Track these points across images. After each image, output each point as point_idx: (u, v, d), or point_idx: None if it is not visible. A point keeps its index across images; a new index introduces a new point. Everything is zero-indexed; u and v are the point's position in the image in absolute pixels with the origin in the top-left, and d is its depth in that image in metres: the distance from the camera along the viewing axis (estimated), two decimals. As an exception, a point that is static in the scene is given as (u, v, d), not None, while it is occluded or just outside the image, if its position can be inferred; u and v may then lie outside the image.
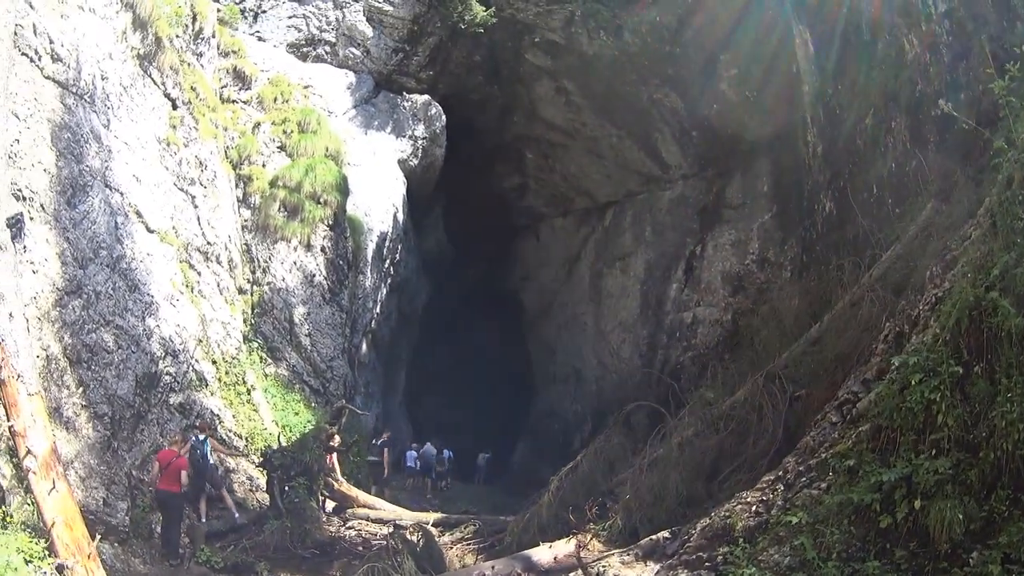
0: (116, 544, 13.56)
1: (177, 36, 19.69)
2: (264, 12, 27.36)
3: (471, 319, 38.68)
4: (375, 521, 19.07)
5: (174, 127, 18.47)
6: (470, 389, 37.83)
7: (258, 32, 27.21)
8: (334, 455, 20.06)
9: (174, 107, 18.74)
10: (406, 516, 19.31)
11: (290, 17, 27.50)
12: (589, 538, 12.49)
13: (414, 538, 14.52)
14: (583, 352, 33.62)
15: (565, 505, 14.07)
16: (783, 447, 11.11)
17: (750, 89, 26.03)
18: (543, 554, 12.40)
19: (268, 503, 17.90)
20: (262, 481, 18.77)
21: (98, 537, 12.12)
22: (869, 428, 7.81)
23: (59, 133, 14.00)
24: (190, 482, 15.29)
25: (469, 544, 15.93)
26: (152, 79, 17.87)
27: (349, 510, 19.49)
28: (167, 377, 17.08)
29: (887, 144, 17.00)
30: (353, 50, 28.19)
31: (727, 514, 8.80)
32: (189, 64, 20.14)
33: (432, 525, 17.72)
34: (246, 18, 26.99)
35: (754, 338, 15.34)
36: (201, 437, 16.62)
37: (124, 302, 15.88)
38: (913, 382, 7.43)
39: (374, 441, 25.22)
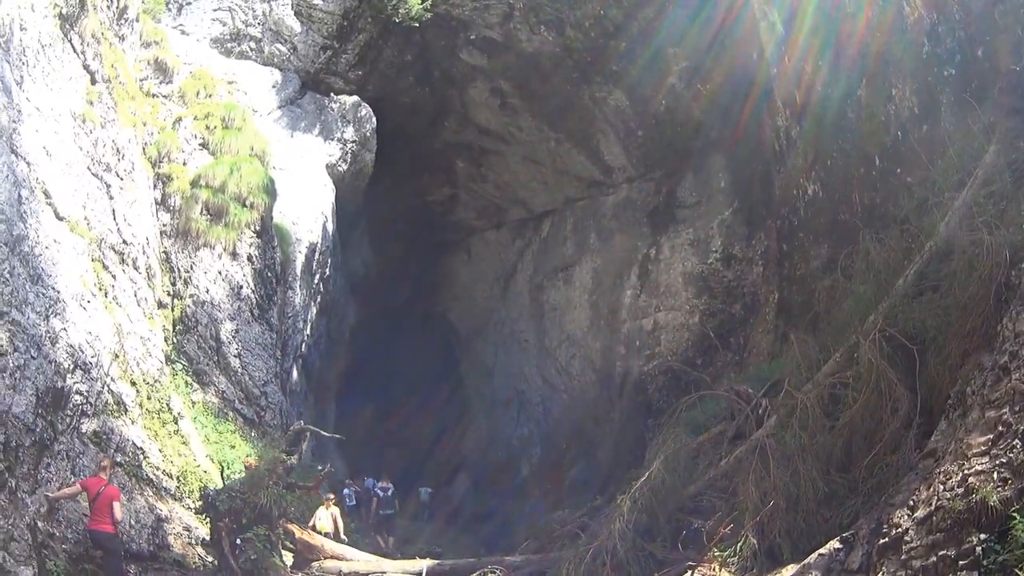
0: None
1: (101, 9, 16.95)
2: (189, 4, 24.89)
3: (399, 345, 36.06)
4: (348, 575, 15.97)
5: (91, 103, 15.74)
6: (401, 419, 35.14)
7: (181, 26, 24.67)
8: (333, 510, 17.86)
9: (92, 81, 16.08)
10: (388, 567, 16.32)
11: (215, 10, 24.97)
12: (718, 570, 9.99)
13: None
14: (525, 372, 31.55)
15: (642, 530, 11.50)
16: (924, 412, 9.39)
17: (703, 81, 24.96)
18: None
19: (216, 562, 14.60)
20: (203, 531, 15.50)
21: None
22: None
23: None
24: None
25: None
26: (72, 45, 15.25)
27: (315, 563, 16.15)
28: (77, 396, 13.82)
29: (888, 113, 16.01)
30: (279, 46, 25.75)
31: (961, 490, 6.82)
32: (111, 44, 17.41)
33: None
34: (170, 9, 24.57)
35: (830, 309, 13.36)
36: None
37: (24, 293, 12.82)
38: None
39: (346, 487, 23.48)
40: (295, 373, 24.49)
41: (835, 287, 13.32)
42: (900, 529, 7.59)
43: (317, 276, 25.78)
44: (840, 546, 8.59)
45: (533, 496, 28.52)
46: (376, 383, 33.82)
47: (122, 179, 16.81)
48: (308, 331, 25.50)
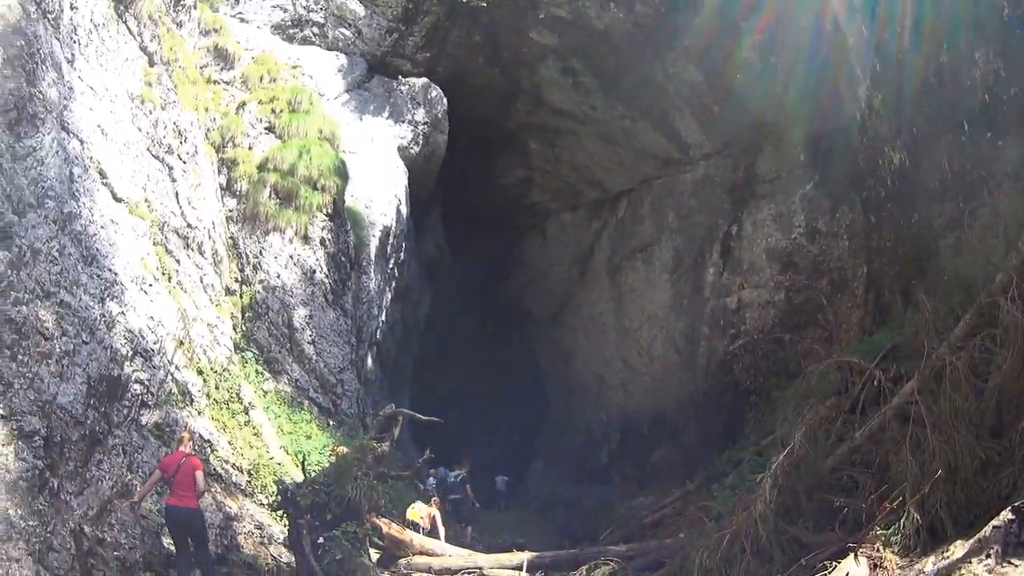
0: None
1: (157, -5, 16.90)
2: (247, -9, 24.90)
3: (473, 330, 35.70)
4: (440, 572, 14.91)
5: (150, 84, 15.59)
6: (476, 407, 34.80)
7: (240, 14, 24.71)
8: (434, 510, 17.24)
9: (151, 63, 15.92)
10: (483, 561, 15.19)
11: (274, -4, 25.01)
12: (883, 550, 8.99)
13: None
14: (604, 355, 30.90)
15: (782, 512, 10.39)
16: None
17: (777, 53, 23.87)
18: None
19: (295, 563, 13.39)
20: (277, 529, 14.71)
21: None
22: None
23: (9, 36, 10.81)
24: None
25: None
26: (128, 27, 15.05)
27: (403, 560, 15.17)
28: (137, 386, 13.00)
29: (974, 77, 15.17)
30: (344, 31, 25.63)
31: None
32: (168, 29, 17.31)
33: (527, 570, 14.10)
34: (227, -1, 24.57)
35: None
36: None
37: (75, 273, 12.06)
38: None
39: (429, 478, 22.92)
40: (370, 360, 24.25)
41: (959, 246, 12.38)
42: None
43: (392, 260, 25.54)
44: (1013, 516, 7.82)
45: (614, 482, 27.89)
46: (451, 369, 33.54)
47: (185, 162, 16.65)
48: (383, 317, 25.28)
